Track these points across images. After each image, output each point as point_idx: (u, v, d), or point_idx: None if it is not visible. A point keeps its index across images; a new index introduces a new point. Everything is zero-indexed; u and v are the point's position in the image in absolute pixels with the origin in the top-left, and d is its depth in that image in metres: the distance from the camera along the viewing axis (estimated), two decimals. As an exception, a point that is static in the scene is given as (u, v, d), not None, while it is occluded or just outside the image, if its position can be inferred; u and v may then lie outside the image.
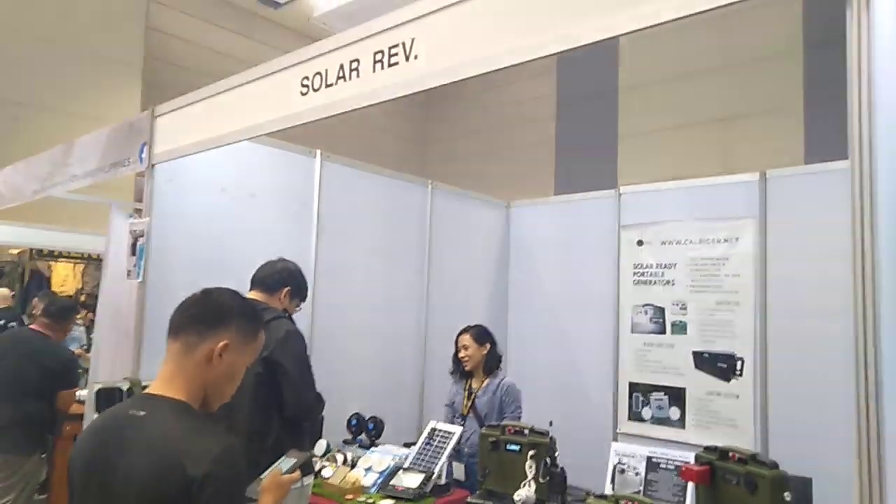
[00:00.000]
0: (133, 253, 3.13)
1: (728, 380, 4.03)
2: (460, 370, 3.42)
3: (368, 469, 2.95)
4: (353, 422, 3.38)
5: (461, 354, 3.37)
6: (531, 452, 2.13)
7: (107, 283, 3.39)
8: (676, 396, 4.23)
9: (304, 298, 2.73)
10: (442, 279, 4.62)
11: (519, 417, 3.29)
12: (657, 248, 4.42)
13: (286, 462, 1.74)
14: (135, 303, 3.01)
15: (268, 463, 2.32)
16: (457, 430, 3.03)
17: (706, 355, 4.13)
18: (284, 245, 3.70)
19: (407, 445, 3.12)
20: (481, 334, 3.41)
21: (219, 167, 3.39)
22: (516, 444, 2.19)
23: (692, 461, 2.11)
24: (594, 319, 4.67)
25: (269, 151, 3.65)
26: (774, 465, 1.73)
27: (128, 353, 2.94)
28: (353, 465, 3.02)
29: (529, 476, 2.11)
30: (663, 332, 4.32)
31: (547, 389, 4.87)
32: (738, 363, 4.00)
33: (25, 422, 3.28)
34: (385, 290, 4.25)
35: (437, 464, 2.88)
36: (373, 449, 3.13)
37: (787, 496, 1.70)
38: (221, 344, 1.43)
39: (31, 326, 3.87)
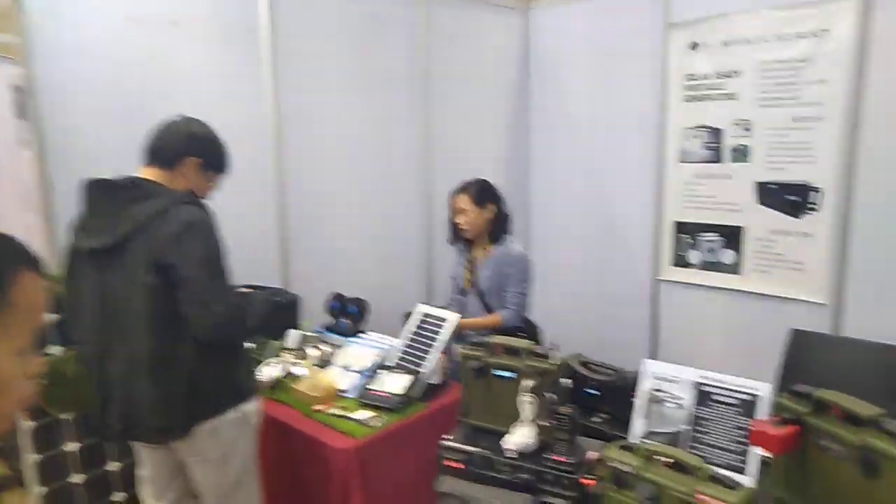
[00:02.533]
0: (21, 116, 2.40)
1: (798, 216, 3.25)
2: (460, 239, 2.74)
3: (346, 367, 2.42)
4: (335, 304, 2.82)
5: (458, 220, 2.66)
6: (527, 383, 1.51)
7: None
8: (732, 237, 3.51)
9: (221, 170, 2.00)
10: (445, 113, 3.76)
11: (523, 294, 2.65)
12: (716, 52, 3.43)
13: None
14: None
15: (188, 404, 1.78)
16: (452, 317, 2.43)
17: (773, 186, 3.32)
18: (228, 89, 2.91)
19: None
20: (482, 193, 2.66)
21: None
22: (509, 369, 1.56)
23: (763, 394, 1.46)
24: (634, 148, 3.83)
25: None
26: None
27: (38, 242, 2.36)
28: (328, 362, 2.50)
29: (528, 415, 1.50)
30: (719, 160, 3.48)
31: (578, 234, 4.21)
32: (814, 195, 3.19)
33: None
34: (372, 137, 3.46)
35: (426, 360, 2.33)
36: (351, 340, 2.58)
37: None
38: None
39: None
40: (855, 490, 1.11)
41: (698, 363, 1.64)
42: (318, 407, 2.25)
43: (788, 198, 3.29)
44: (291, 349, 2.58)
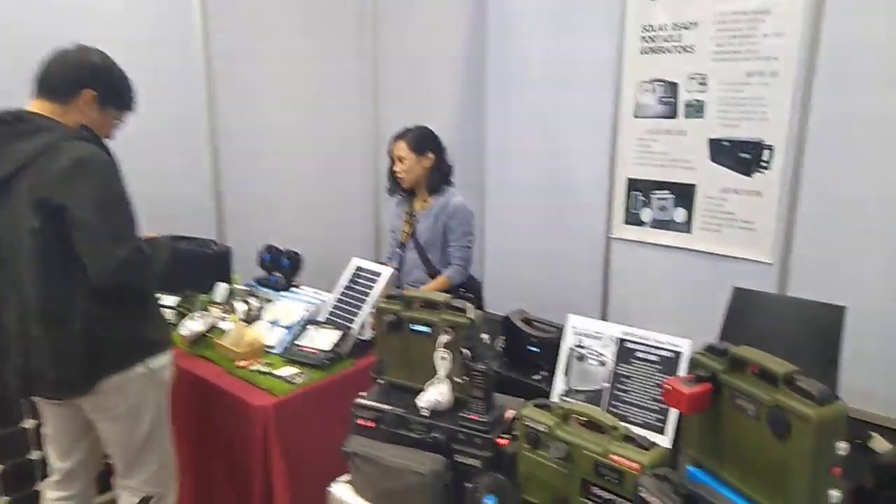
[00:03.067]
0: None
1: (750, 174, 3.20)
2: (398, 187, 2.61)
3: (274, 323, 2.31)
4: (266, 256, 2.69)
5: (396, 168, 2.53)
6: (443, 338, 1.42)
7: None
8: (684, 195, 3.45)
9: (123, 106, 1.82)
10: (394, 58, 3.59)
11: (468, 247, 2.56)
12: (674, 2, 3.31)
13: None
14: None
15: (88, 358, 1.65)
16: (385, 271, 2.33)
17: (726, 143, 3.25)
18: (155, 30, 2.70)
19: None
20: (421, 140, 2.52)
21: None
22: (425, 323, 1.46)
23: (684, 351, 1.40)
24: (589, 102, 3.71)
25: None
26: (827, 396, 0.99)
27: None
28: (257, 317, 2.39)
29: (442, 372, 1.41)
30: (674, 115, 3.40)
31: (533, 190, 4.11)
32: (766, 153, 3.14)
33: None
34: (313, 80, 3.28)
35: (357, 316, 2.23)
36: (282, 295, 2.46)
37: (842, 449, 0.99)
38: None
39: None
40: (767, 452, 1.05)
41: (648, 322, 1.57)
42: (241, 363, 2.15)
43: (741, 155, 3.22)
44: (219, 303, 2.45)
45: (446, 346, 1.42)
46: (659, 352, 1.41)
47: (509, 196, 4.25)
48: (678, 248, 3.49)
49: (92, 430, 1.86)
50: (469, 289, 2.62)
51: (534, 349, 1.98)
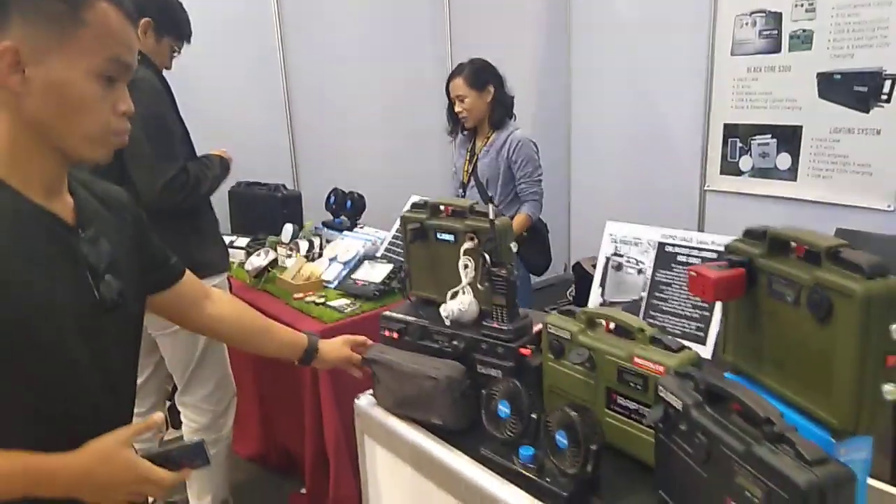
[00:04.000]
0: None
1: (867, 109, 2.83)
2: (460, 128, 2.52)
3: (333, 259, 2.32)
4: (332, 199, 2.71)
5: (457, 108, 2.44)
6: (466, 245, 1.33)
7: None
8: (788, 138, 3.12)
9: (181, 37, 1.87)
10: (467, 11, 3.51)
11: (538, 181, 2.42)
12: (777, -80, 2.98)
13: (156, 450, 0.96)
14: None
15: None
16: (441, 205, 2.26)
17: (838, 77, 2.90)
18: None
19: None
20: (478, 74, 2.41)
21: None
22: (449, 231, 1.38)
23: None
24: (681, 42, 3.45)
25: None
26: (878, 268, 0.81)
27: None
28: (320, 254, 2.41)
29: (464, 280, 1.33)
30: (778, 49, 3.07)
31: (618, 140, 3.89)
32: (887, 84, 2.76)
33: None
34: (386, 35, 3.27)
35: (412, 250, 2.18)
36: (345, 234, 2.47)
37: (896, 331, 0.82)
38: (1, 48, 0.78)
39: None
40: (809, 343, 0.88)
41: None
42: (298, 295, 2.17)
43: (856, 89, 2.86)
44: (285, 243, 2.50)
45: (469, 252, 1.34)
46: (702, 254, 1.24)
47: (596, 148, 4.05)
48: (782, 197, 3.16)
49: (158, 348, 1.95)
50: (532, 229, 2.50)
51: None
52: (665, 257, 1.30)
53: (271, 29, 2.91)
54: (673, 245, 1.29)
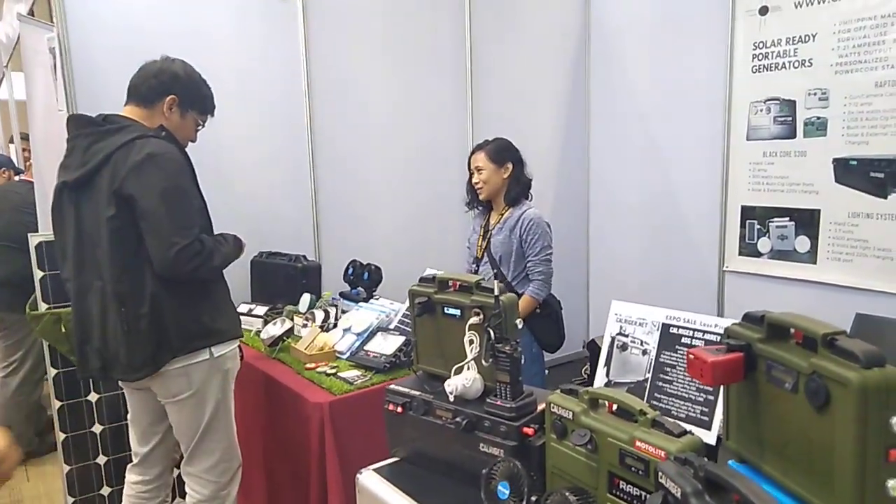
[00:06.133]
0: (57, 77, 2.54)
1: (885, 195, 2.84)
2: (476, 200, 2.58)
3: (347, 329, 2.34)
4: (350, 270, 2.76)
5: (475, 179, 2.52)
6: (471, 320, 1.35)
7: (37, 123, 2.87)
8: (806, 222, 3.12)
9: (205, 111, 1.97)
10: (489, 89, 3.64)
11: (547, 261, 2.45)
12: (788, 15, 3.09)
13: None
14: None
15: (154, 341, 1.77)
16: (454, 279, 2.30)
17: (853, 163, 2.93)
18: (258, 55, 2.95)
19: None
20: (500, 151, 2.50)
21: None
22: (455, 306, 1.41)
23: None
24: (697, 126, 3.52)
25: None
26: (874, 357, 0.80)
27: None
28: (334, 325, 2.43)
29: (469, 355, 1.34)
30: (792, 135, 3.12)
31: (639, 220, 3.92)
32: (904, 171, 2.77)
33: (16, 278, 3.06)
34: (409, 109, 3.40)
35: (424, 324, 2.19)
36: (360, 305, 2.50)
37: (896, 423, 0.80)
38: None
39: (24, 176, 3.61)
40: (808, 433, 0.87)
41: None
42: (310, 365, 2.18)
43: (872, 175, 2.88)
44: (301, 312, 2.54)
45: (474, 328, 1.35)
46: (706, 336, 1.23)
47: (614, 226, 4.09)
48: (801, 280, 3.14)
49: (166, 416, 1.96)
50: (546, 306, 2.50)
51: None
52: (669, 338, 1.30)
53: (300, 101, 3.05)
54: (677, 327, 1.29)
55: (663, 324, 1.31)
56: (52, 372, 2.72)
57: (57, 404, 2.52)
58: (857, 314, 2.32)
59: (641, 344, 1.34)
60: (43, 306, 2.52)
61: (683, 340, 1.28)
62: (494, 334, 1.29)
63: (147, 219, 1.69)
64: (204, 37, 2.78)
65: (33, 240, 2.52)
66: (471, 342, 1.35)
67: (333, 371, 2.12)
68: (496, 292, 1.30)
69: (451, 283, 1.45)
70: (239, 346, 1.99)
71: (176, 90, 1.86)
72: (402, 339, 2.15)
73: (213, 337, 1.85)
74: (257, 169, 2.98)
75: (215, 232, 1.92)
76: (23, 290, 3.14)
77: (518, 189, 2.50)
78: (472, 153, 2.54)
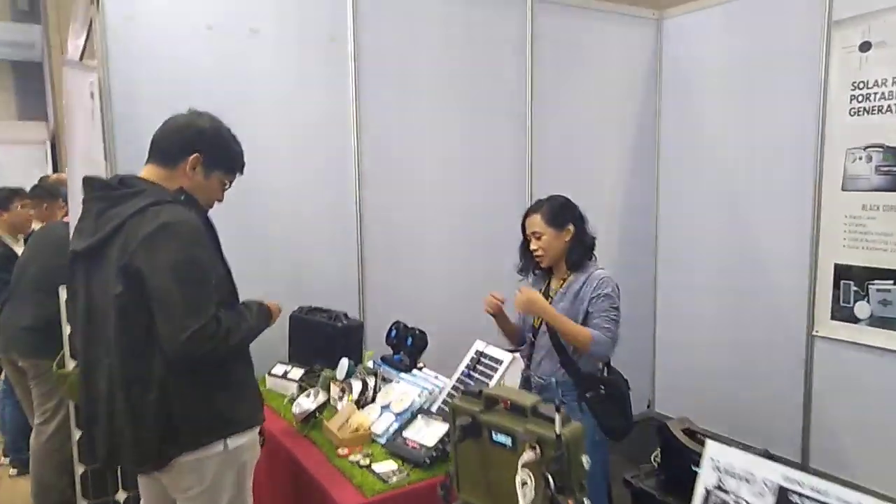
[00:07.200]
0: (98, 119, 2.42)
1: None
2: (532, 266, 2.31)
3: (386, 407, 2.10)
4: (392, 333, 2.52)
5: (532, 246, 2.23)
6: (525, 457, 1.08)
7: (74, 165, 2.76)
8: (914, 286, 2.71)
9: (233, 170, 1.76)
10: (547, 136, 3.38)
11: (615, 320, 2.12)
12: (893, 52, 2.72)
13: None
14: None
15: (161, 432, 1.56)
16: (506, 357, 2.03)
17: (975, 222, 2.52)
18: (308, 101, 2.78)
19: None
20: (557, 213, 2.21)
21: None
22: (506, 432, 1.13)
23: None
24: (784, 174, 3.17)
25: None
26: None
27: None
28: (373, 398, 2.19)
29: (521, 501, 1.07)
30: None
31: (711, 276, 3.56)
32: None
33: (47, 324, 2.94)
34: (465, 154, 3.17)
35: (472, 408, 1.93)
36: (402, 376, 2.25)
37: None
38: None
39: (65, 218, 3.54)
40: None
41: (869, 462, 1.06)
42: (342, 452, 1.94)
43: None
44: (339, 380, 2.31)
45: (529, 466, 1.08)
46: (838, 501, 0.92)
47: (686, 282, 3.73)
48: (907, 354, 2.72)
49: (180, 505, 1.76)
50: (610, 384, 2.20)
51: (697, 469, 1.53)
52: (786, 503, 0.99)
53: (348, 149, 2.88)
54: (800, 495, 0.98)
55: (780, 486, 1.00)
56: (77, 434, 2.59)
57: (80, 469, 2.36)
58: None
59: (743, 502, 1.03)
60: (71, 364, 2.38)
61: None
62: (555, 483, 1.01)
63: (157, 298, 1.49)
64: (247, 74, 2.64)
65: (63, 293, 2.38)
66: (524, 484, 1.08)
67: (368, 461, 1.87)
68: (558, 428, 1.03)
69: (501, 400, 1.18)
70: (261, 430, 1.77)
71: (200, 147, 1.67)
72: (444, 426, 1.89)
73: (229, 427, 1.63)
74: (303, 220, 2.82)
75: (250, 286, 1.72)
76: (54, 337, 3.02)
77: (581, 251, 2.21)
78: (526, 216, 2.26)
